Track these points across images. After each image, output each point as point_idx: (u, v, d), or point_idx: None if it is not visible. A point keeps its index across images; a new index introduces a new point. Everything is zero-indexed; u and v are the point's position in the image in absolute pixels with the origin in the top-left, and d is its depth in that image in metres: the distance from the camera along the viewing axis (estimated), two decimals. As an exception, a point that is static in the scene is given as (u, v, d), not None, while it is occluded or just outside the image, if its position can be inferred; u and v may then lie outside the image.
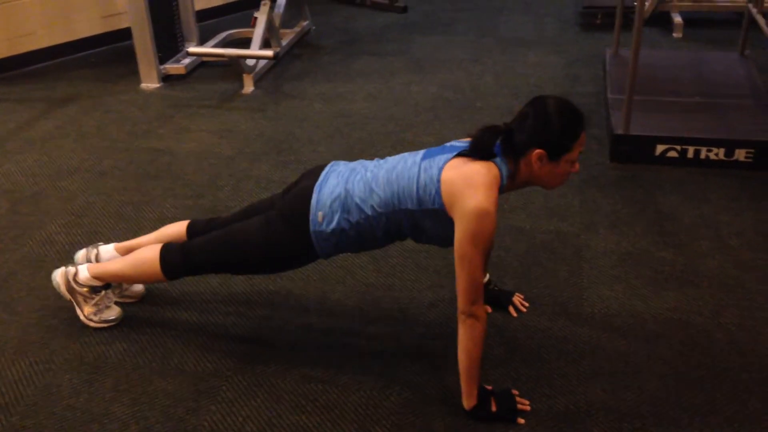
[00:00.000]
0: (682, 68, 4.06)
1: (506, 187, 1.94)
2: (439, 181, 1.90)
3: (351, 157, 3.46)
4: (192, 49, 4.34)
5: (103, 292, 2.33)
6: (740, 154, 3.21)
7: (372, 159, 2.13)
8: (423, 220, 1.96)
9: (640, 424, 1.97)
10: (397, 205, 1.96)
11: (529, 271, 2.61)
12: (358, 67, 4.64)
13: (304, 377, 2.15)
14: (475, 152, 1.92)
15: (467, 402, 1.98)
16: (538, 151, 1.88)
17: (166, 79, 4.53)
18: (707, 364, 2.17)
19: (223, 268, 2.21)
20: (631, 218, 2.91)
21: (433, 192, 1.91)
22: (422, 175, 1.93)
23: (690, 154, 3.25)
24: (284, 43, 4.84)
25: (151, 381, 2.15)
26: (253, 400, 2.07)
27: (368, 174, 2.02)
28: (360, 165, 2.09)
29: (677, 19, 5.02)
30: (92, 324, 2.34)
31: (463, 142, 2.02)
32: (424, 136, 3.67)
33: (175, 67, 4.54)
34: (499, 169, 1.91)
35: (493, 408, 1.99)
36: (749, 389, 2.07)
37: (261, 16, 4.48)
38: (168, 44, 4.60)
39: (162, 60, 4.50)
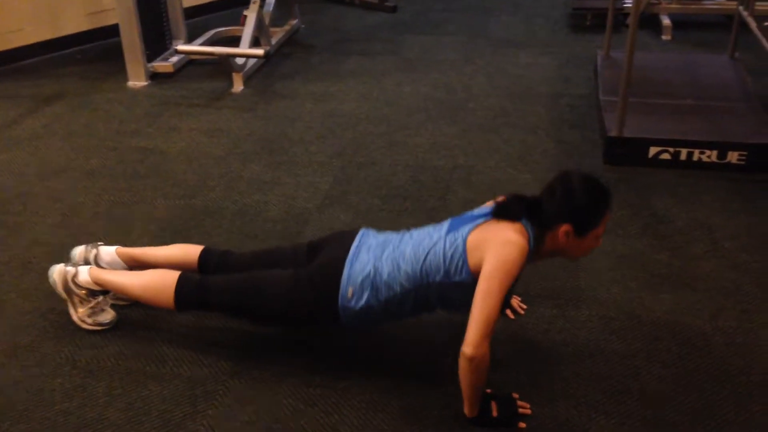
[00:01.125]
0: (672, 71, 4.08)
1: (533, 253, 1.95)
2: (464, 250, 1.92)
3: (344, 158, 3.45)
4: (181, 47, 4.30)
5: (101, 297, 2.29)
6: (733, 157, 3.22)
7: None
8: (451, 291, 1.96)
9: (641, 427, 1.96)
10: (425, 279, 1.96)
11: (527, 274, 2.59)
12: (349, 67, 4.61)
13: (302, 382, 2.12)
14: (499, 215, 1.94)
15: (469, 412, 1.96)
16: (565, 227, 1.90)
17: (154, 77, 4.47)
18: (706, 368, 2.17)
19: (240, 314, 2.20)
20: (625, 221, 2.91)
21: (460, 262, 1.91)
22: (448, 248, 1.94)
23: (683, 156, 3.25)
24: (273, 41, 4.80)
25: (146, 385, 2.11)
26: (252, 404, 2.04)
27: (396, 252, 2.02)
28: (387, 239, 2.09)
29: (666, 21, 5.04)
30: (85, 326, 2.30)
31: (484, 209, 2.03)
32: (417, 137, 3.65)
33: (163, 65, 4.49)
34: (527, 230, 1.92)
35: (494, 413, 1.97)
36: (750, 392, 2.07)
37: (251, 14, 4.44)
38: (156, 42, 4.54)
39: (150, 58, 4.45)
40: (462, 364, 1.86)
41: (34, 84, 4.38)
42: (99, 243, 2.45)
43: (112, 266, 2.37)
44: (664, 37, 5.00)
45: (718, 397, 2.06)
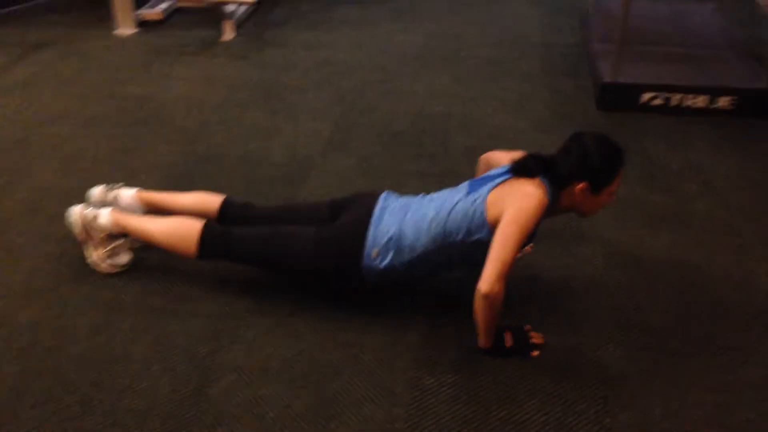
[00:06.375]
0: (661, 19, 4.14)
1: (549, 208, 2.01)
2: (484, 208, 1.99)
3: (343, 105, 3.47)
4: (170, -7, 4.24)
5: (121, 240, 2.31)
6: (723, 102, 3.31)
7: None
8: (471, 249, 2.03)
9: (647, 354, 2.06)
10: (446, 240, 2.03)
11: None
12: (340, 16, 4.60)
13: (320, 317, 2.18)
14: (518, 172, 2.01)
15: (485, 344, 2.05)
16: (581, 185, 1.97)
17: (142, 24, 4.43)
18: (706, 300, 2.27)
19: (261, 265, 2.24)
20: (622, 164, 2.99)
21: (479, 221, 1.98)
22: (469, 208, 2.01)
23: (674, 101, 3.34)
24: (262, -11, 4.76)
25: (169, 323, 2.16)
26: (274, 339, 2.11)
27: (417, 214, 2.09)
28: (410, 202, 2.15)
29: (652, -29, 5.08)
30: (102, 267, 2.33)
31: (501, 168, 2.10)
32: (414, 84, 3.68)
33: (150, 12, 4.44)
34: (545, 185, 1.99)
35: (508, 344, 2.06)
36: (748, 322, 2.18)
37: (240, -39, 4.39)
38: (143, -11, 4.49)
39: (137, 5, 4.39)
40: (477, 301, 1.94)
41: (19, 32, 4.30)
42: (119, 184, 2.46)
43: (131, 209, 2.39)
44: (650, -13, 5.05)
45: (718, 327, 2.17)
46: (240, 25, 4.42)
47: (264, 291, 2.29)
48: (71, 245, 2.44)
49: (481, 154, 2.30)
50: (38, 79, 3.74)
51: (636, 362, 2.04)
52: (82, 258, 2.37)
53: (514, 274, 2.34)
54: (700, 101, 3.32)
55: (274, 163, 2.99)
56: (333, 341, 2.10)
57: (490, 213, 1.98)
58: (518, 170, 2.02)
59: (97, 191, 2.43)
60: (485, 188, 2.04)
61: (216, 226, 2.23)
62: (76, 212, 2.30)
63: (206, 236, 2.19)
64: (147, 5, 4.49)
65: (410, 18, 4.56)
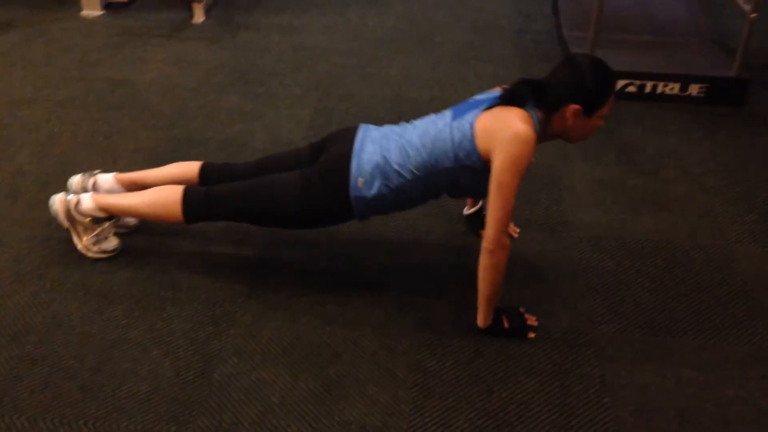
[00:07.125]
0: (628, 7, 4.21)
1: (539, 136, 2.01)
2: (473, 135, 1.97)
3: (321, 90, 3.46)
4: (139, -25, 4.15)
5: (106, 224, 2.27)
6: (694, 89, 3.40)
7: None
8: (460, 174, 2.03)
9: (639, 334, 2.12)
10: (435, 166, 2.02)
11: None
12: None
13: (317, 301, 2.19)
14: (507, 100, 1.99)
15: (483, 322, 2.08)
16: (574, 106, 1.97)
17: (108, 6, 4.32)
18: (689, 280, 2.35)
19: (249, 218, 2.20)
20: (600, 149, 3.06)
21: (469, 146, 1.98)
22: (456, 134, 2.00)
23: (648, 88, 3.41)
24: (231, -28, 4.68)
25: (164, 308, 2.14)
26: (272, 322, 2.10)
27: (402, 140, 2.07)
28: (390, 131, 2.13)
29: (616, -40, 5.16)
30: (90, 254, 2.29)
31: (487, 94, 2.08)
32: (389, 70, 3.68)
33: (117, -6, 4.34)
34: (531, 116, 1.99)
35: (506, 324, 2.10)
36: (731, 301, 2.26)
37: (210, -57, 4.32)
38: (109, -31, 4.38)
39: (103, -14, 4.29)
40: (483, 261, 1.96)
41: (-20, 12, 4.17)
42: (95, 171, 2.41)
43: (112, 193, 2.35)
44: (614, -24, 5.13)
45: (704, 305, 2.24)
46: (210, 8, 4.35)
47: (259, 276, 2.28)
48: (55, 230, 2.40)
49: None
50: (4, 61, 3.62)
51: (629, 342, 2.10)
52: (69, 243, 2.33)
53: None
54: (672, 89, 3.40)
55: (257, 148, 2.97)
56: (331, 325, 2.11)
57: (480, 142, 1.96)
58: (507, 98, 2.00)
59: (76, 180, 2.39)
60: (471, 114, 2.01)
61: (197, 188, 2.21)
62: (58, 200, 2.25)
63: (188, 198, 2.17)
64: (113, -14, 4.39)
65: (380, 1, 4.55)
